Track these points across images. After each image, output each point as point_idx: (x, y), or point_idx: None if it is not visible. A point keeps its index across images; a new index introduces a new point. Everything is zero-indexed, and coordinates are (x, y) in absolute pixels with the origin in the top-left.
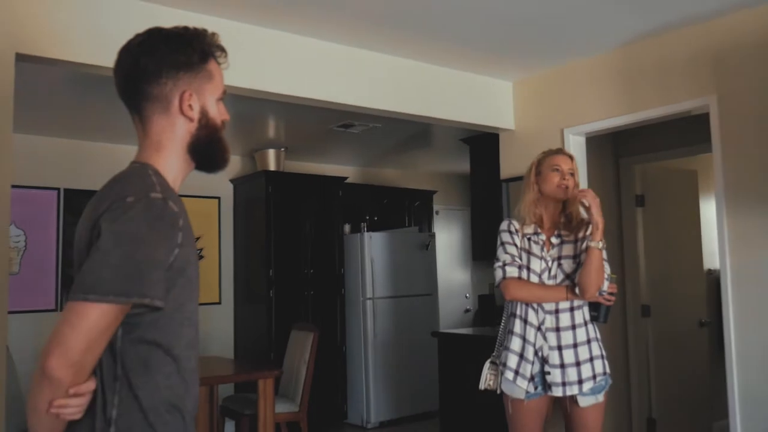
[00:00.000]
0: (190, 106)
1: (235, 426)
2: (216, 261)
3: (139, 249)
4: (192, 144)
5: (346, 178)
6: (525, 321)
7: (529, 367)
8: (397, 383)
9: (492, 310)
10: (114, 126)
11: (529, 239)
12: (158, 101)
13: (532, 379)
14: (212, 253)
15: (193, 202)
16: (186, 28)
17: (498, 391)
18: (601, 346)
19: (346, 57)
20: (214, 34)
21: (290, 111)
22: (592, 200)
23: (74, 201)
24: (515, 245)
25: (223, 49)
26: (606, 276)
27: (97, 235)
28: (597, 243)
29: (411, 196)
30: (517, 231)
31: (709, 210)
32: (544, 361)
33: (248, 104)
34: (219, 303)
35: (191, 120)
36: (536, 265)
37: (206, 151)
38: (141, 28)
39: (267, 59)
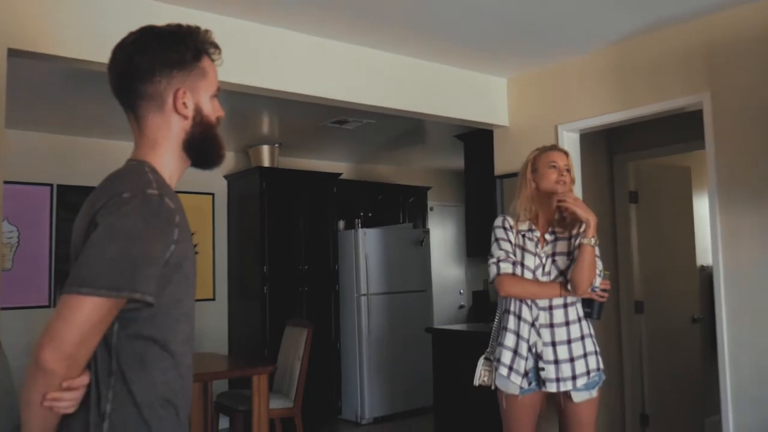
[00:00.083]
0: (184, 103)
1: (229, 422)
2: (210, 257)
3: (135, 245)
4: (187, 141)
5: (340, 174)
6: (519, 317)
7: (523, 363)
8: (392, 379)
9: (486, 307)
10: (107, 122)
11: (523, 236)
12: (152, 99)
13: (526, 374)
14: (206, 249)
15: (187, 198)
16: (179, 26)
17: (492, 387)
18: (595, 342)
19: (339, 53)
20: (207, 31)
21: (284, 107)
22: (573, 203)
23: (67, 197)
24: (510, 241)
25: (216, 46)
26: (598, 272)
27: (93, 230)
28: (589, 240)
29: (405, 192)
30: (511, 227)
31: (702, 206)
32: (538, 357)
33: (242, 100)
34: (213, 299)
35: (185, 118)
36: (530, 261)
37: (201, 148)
38: (133, 22)
39: (261, 55)
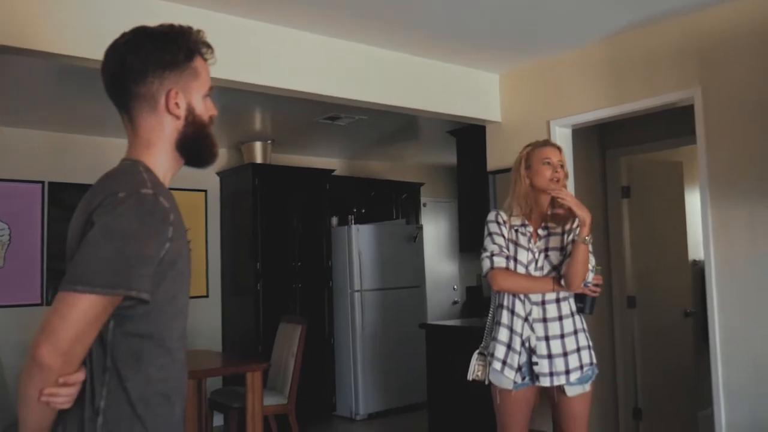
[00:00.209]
0: (176, 104)
1: (223, 419)
2: (203, 254)
3: (129, 244)
4: (180, 141)
5: (333, 170)
6: (512, 312)
7: (516, 357)
8: (386, 375)
9: (479, 302)
10: (99, 119)
11: (516, 231)
12: (145, 100)
13: (519, 369)
14: (199, 246)
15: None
16: (171, 27)
17: (486, 382)
18: (588, 336)
19: (331, 49)
20: (199, 31)
21: (276, 103)
22: (570, 201)
23: (59, 194)
24: (503, 236)
25: (209, 46)
26: (591, 267)
27: (89, 229)
28: (584, 239)
29: (398, 188)
30: (504, 222)
31: (694, 201)
32: (531, 351)
33: (234, 97)
34: (206, 296)
35: (178, 118)
36: (523, 256)
37: (194, 147)
38: (124, 17)
39: (253, 51)
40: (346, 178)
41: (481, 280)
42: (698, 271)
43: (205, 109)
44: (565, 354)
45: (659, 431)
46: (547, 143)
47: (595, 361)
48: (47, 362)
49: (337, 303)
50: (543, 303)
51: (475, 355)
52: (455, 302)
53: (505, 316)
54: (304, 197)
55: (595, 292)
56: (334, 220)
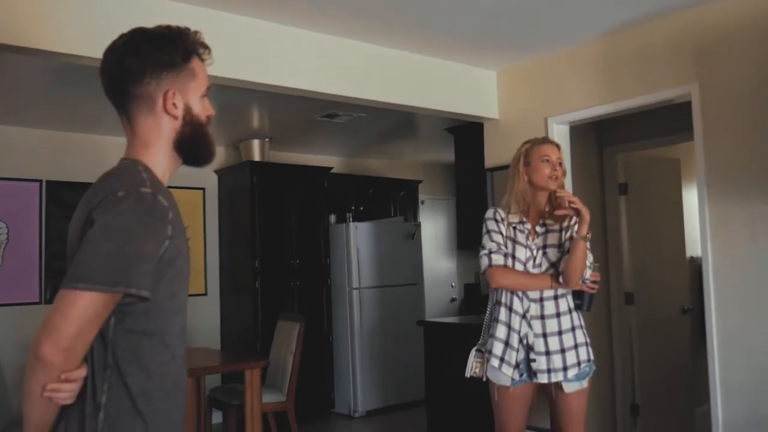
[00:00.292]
0: (174, 104)
1: (222, 416)
2: (201, 252)
3: (129, 243)
4: (178, 141)
5: (331, 168)
6: (510, 309)
7: (514, 354)
8: (384, 372)
9: (478, 299)
10: (97, 118)
11: (514, 228)
12: (143, 101)
13: (517, 366)
14: (197, 244)
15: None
16: (169, 27)
17: (484, 379)
18: (585, 333)
19: (329, 47)
20: (197, 32)
21: (274, 101)
22: (577, 202)
23: (57, 193)
24: (501, 233)
25: (206, 47)
26: (588, 264)
27: (90, 227)
28: (584, 236)
29: (396, 185)
30: (502, 219)
31: (691, 198)
32: (529, 348)
33: (232, 94)
34: (205, 294)
35: (175, 118)
36: (521, 253)
37: (192, 147)
38: (123, 16)
39: (253, 49)
40: (344, 176)
41: (479, 277)
42: (696, 267)
43: (202, 109)
44: (562, 351)
45: (656, 427)
46: (545, 140)
47: (592, 357)
48: (49, 359)
49: (335, 300)
50: (541, 300)
51: (473, 352)
52: (453, 299)
53: (503, 313)
54: (302, 195)
55: (592, 288)
56: (332, 218)
